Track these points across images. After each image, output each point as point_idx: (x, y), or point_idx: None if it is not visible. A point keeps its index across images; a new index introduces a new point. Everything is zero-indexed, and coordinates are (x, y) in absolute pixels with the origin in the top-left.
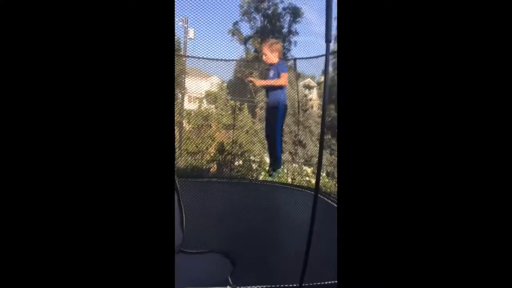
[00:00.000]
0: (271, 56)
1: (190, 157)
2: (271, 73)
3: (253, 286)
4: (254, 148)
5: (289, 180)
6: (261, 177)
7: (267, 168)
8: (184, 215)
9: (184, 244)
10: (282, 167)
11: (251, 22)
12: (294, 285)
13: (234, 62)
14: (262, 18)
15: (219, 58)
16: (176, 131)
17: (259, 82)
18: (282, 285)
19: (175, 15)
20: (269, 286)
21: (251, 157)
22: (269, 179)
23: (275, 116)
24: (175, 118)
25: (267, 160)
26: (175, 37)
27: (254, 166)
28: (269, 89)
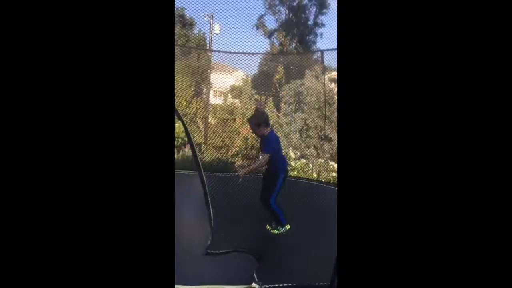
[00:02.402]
0: (259, 130)
1: (216, 151)
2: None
3: (278, 284)
4: None
5: (315, 176)
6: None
7: (267, 227)
8: (212, 212)
9: (211, 245)
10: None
11: (276, 15)
12: (323, 283)
13: (259, 55)
14: (287, 11)
15: (244, 52)
16: (201, 125)
17: (244, 172)
18: (310, 284)
19: (201, 10)
20: (294, 284)
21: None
22: (275, 232)
23: (274, 183)
24: (201, 112)
25: (292, 155)
26: (201, 33)
27: None
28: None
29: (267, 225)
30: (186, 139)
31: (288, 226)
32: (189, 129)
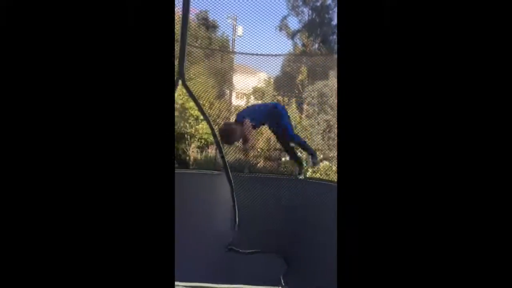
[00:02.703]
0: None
1: (238, 152)
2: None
3: None
4: None
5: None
6: (308, 174)
7: (297, 172)
8: (237, 211)
9: (235, 243)
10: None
11: (299, 16)
12: None
13: (282, 57)
14: (310, 11)
15: (267, 54)
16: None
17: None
18: None
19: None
20: (321, 287)
21: (298, 153)
22: (300, 177)
23: (279, 120)
24: (224, 114)
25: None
26: (224, 35)
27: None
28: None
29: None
30: (209, 140)
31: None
32: (210, 131)
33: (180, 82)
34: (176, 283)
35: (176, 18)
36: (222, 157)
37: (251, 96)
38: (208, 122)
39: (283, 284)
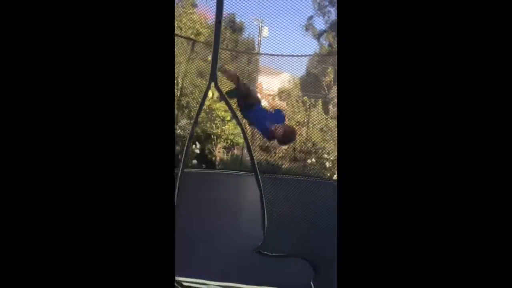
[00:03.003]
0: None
1: (264, 153)
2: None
3: None
4: (328, 146)
5: None
6: (335, 176)
7: None
8: (266, 213)
9: (263, 246)
10: None
11: (326, 16)
12: None
13: (308, 57)
14: (337, 11)
15: (292, 54)
16: (248, 127)
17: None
18: None
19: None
20: None
21: (324, 155)
22: None
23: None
24: None
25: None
26: (250, 37)
27: (328, 164)
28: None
29: None
30: (235, 140)
31: None
32: (237, 131)
33: (212, 84)
34: (205, 281)
35: (203, 20)
36: (252, 159)
37: (276, 97)
38: (239, 124)
39: None
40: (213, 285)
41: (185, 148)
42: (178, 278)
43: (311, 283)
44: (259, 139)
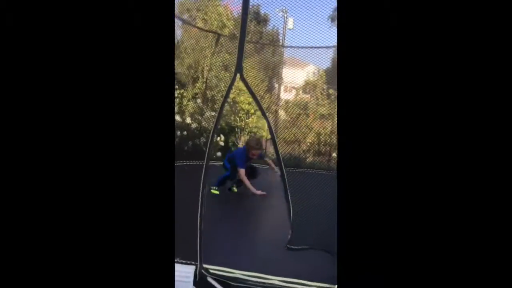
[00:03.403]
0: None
1: (287, 146)
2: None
3: None
4: None
5: None
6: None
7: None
8: (291, 208)
9: (291, 240)
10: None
11: None
12: None
13: (333, 49)
14: None
15: (317, 46)
16: (271, 120)
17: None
18: None
19: (275, 5)
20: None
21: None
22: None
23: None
24: (274, 107)
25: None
26: (274, 28)
27: None
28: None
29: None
30: (259, 133)
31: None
32: (260, 124)
33: (238, 76)
34: (232, 270)
35: (229, 13)
36: (277, 152)
37: (300, 89)
38: (265, 116)
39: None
40: (239, 273)
41: (209, 140)
42: (206, 266)
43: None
44: (283, 131)
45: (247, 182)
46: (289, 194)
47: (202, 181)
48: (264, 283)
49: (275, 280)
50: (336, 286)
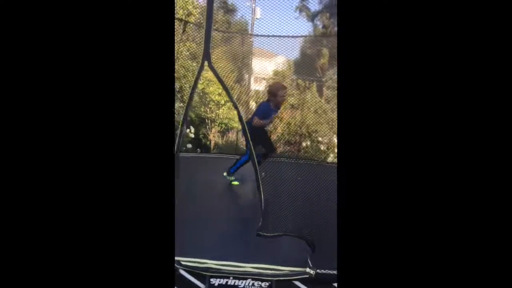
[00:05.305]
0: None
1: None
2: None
3: (332, 271)
4: (322, 129)
5: None
6: (329, 159)
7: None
8: (262, 196)
9: (261, 228)
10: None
11: None
12: None
13: (301, 39)
14: None
15: (286, 35)
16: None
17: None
18: None
19: None
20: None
21: (318, 138)
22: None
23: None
24: (243, 97)
25: (335, 140)
26: (243, 18)
27: (322, 147)
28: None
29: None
30: (229, 124)
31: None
32: (231, 115)
33: (206, 64)
34: (204, 260)
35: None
36: (248, 142)
37: (270, 80)
38: (236, 107)
39: (311, 265)
40: (211, 263)
41: (178, 132)
42: (177, 258)
43: (309, 260)
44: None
45: (261, 122)
46: (260, 183)
47: (174, 173)
48: (237, 271)
49: (248, 267)
50: (307, 268)
